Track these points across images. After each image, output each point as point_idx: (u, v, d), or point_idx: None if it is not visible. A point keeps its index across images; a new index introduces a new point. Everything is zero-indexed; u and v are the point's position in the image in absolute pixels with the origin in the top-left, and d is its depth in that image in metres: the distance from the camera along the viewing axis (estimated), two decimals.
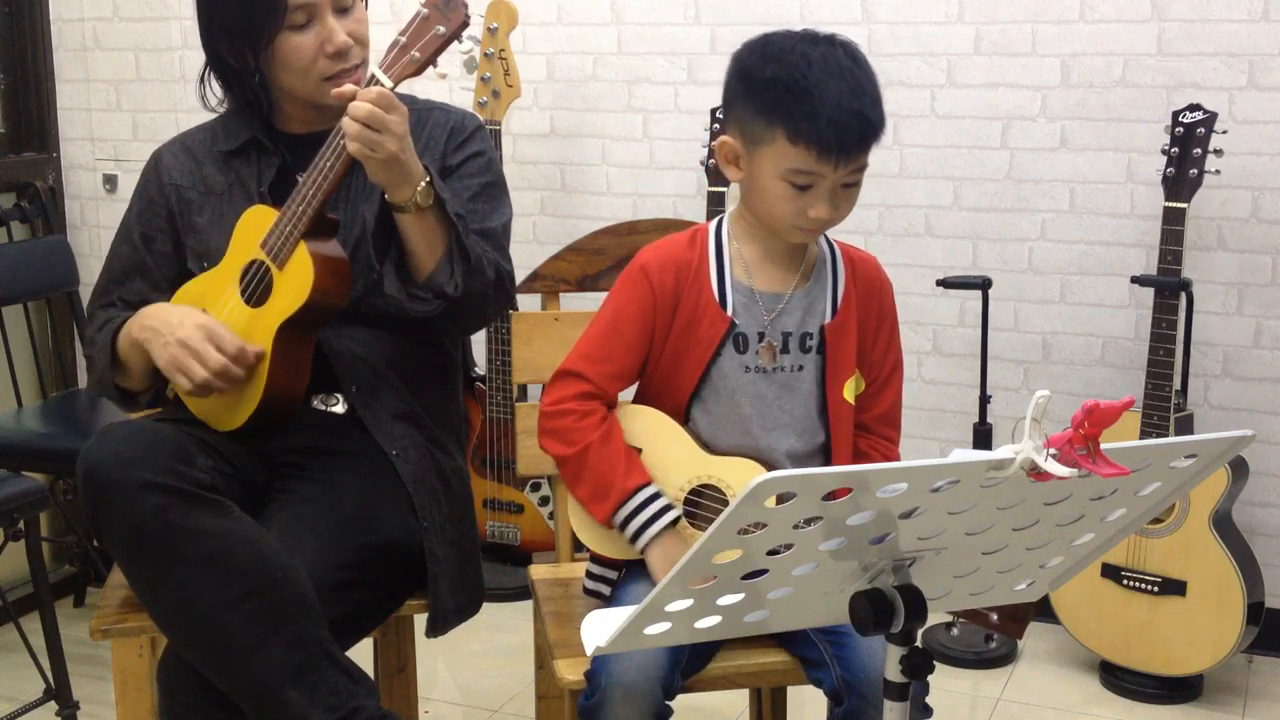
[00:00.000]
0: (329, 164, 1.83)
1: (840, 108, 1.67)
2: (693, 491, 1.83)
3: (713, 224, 1.89)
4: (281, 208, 1.87)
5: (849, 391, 1.87)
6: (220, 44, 1.95)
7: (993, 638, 3.00)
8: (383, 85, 1.80)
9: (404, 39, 1.82)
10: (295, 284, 1.85)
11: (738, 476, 1.80)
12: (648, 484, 1.80)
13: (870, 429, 1.91)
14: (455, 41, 1.82)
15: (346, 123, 1.77)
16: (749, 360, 1.83)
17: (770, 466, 1.82)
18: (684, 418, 1.86)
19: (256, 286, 1.90)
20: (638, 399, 1.91)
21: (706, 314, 1.83)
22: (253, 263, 1.90)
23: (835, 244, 1.90)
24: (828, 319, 1.85)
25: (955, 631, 3.02)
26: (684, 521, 1.81)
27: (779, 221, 1.78)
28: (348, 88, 1.81)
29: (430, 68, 1.83)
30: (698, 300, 1.84)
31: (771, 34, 1.77)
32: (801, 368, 1.85)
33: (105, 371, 1.99)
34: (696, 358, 1.83)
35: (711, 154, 3.07)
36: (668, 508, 1.79)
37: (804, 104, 1.68)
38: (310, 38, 1.90)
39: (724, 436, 1.84)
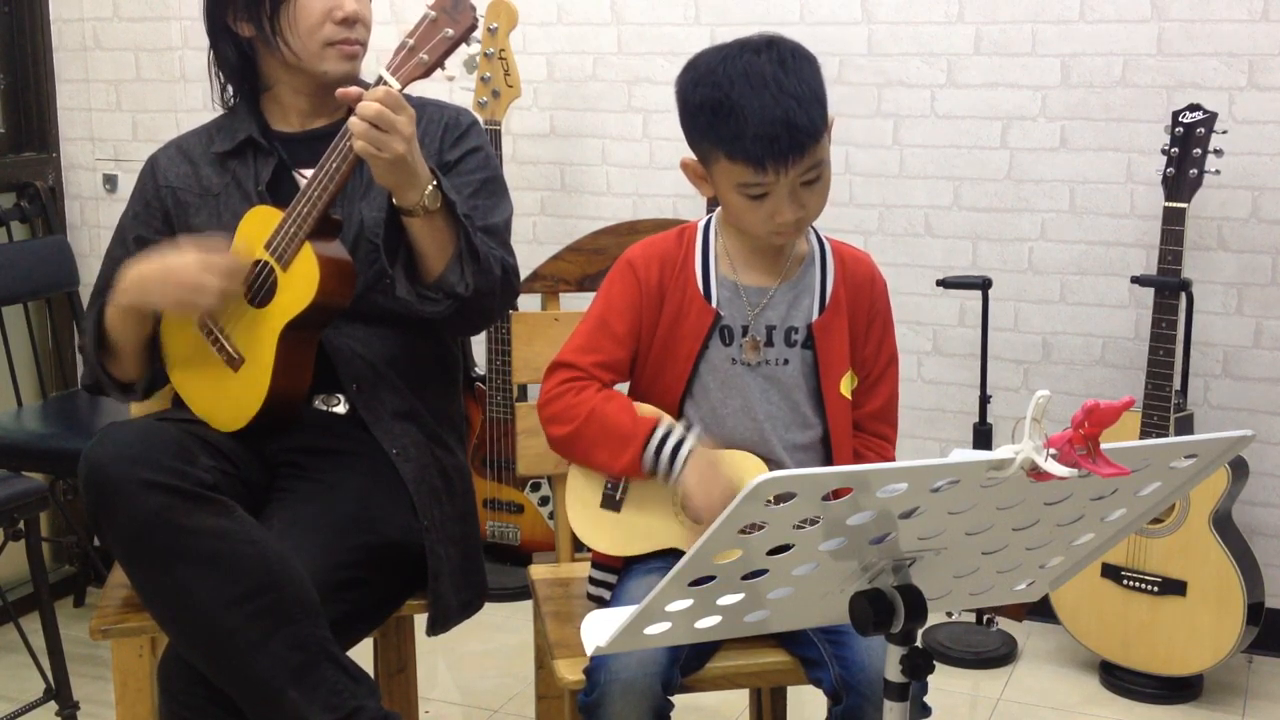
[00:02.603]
0: (335, 165, 1.82)
1: (764, 120, 1.67)
2: None
3: (703, 220, 1.91)
4: (284, 208, 1.87)
5: (845, 387, 1.87)
6: (229, 10, 1.97)
7: (994, 620, 3.00)
8: (390, 87, 1.80)
9: (412, 41, 1.81)
10: (300, 285, 1.85)
11: (737, 470, 1.80)
12: (659, 422, 1.80)
13: (864, 427, 1.91)
14: (464, 45, 1.82)
15: (354, 122, 1.77)
16: (734, 353, 1.84)
17: (767, 459, 1.83)
18: (677, 414, 1.86)
19: (260, 287, 1.90)
20: (630, 397, 1.91)
21: (693, 307, 1.84)
22: (256, 263, 1.90)
23: (827, 241, 1.90)
24: (814, 316, 1.85)
25: (954, 615, 3.00)
26: (703, 441, 1.80)
27: (752, 230, 1.80)
28: (354, 89, 1.81)
29: (438, 70, 1.83)
30: (683, 293, 1.85)
31: (702, 54, 1.78)
32: (787, 362, 1.85)
33: (93, 356, 1.99)
34: (685, 351, 1.84)
35: None
36: (683, 438, 1.79)
37: (729, 124, 1.70)
38: (320, 0, 1.93)
39: (715, 430, 1.84)
